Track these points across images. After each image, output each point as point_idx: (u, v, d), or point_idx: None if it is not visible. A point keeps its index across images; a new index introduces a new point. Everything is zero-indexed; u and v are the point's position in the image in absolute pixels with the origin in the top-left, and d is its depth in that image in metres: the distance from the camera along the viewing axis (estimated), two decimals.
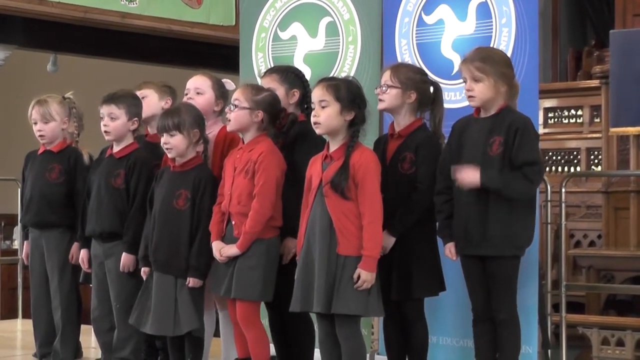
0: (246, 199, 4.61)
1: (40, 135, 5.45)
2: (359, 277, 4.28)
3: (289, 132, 4.80)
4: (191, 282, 4.75)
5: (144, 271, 4.89)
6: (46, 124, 5.43)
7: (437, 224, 4.57)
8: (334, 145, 4.43)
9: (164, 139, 4.81)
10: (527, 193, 4.38)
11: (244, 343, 4.73)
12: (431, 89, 4.68)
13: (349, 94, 4.40)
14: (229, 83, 5.22)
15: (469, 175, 4.34)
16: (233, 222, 4.66)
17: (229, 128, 4.80)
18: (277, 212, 4.64)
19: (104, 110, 5.09)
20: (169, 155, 4.86)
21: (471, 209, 4.39)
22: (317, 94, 4.44)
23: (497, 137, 4.38)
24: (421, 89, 4.64)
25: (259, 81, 5.15)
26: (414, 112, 4.66)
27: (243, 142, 4.75)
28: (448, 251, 4.51)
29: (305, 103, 4.88)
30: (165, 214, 4.81)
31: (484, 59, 4.43)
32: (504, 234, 4.36)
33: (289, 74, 4.96)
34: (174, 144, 4.80)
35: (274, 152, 4.68)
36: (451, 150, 4.52)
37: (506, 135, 4.36)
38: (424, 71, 4.84)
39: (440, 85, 4.81)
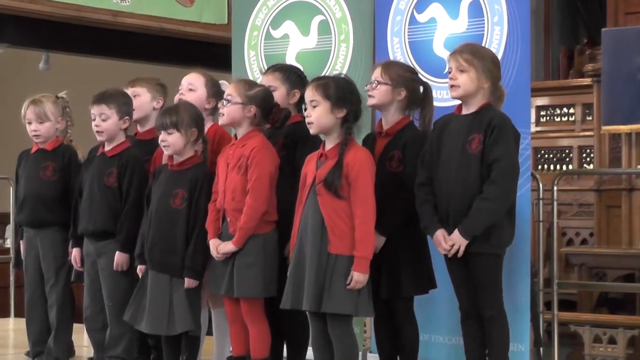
0: (240, 194, 4.61)
1: (35, 135, 5.42)
2: (352, 278, 4.26)
3: (283, 127, 4.80)
4: (186, 282, 4.75)
5: (139, 269, 4.88)
6: (41, 124, 5.40)
7: (424, 215, 4.45)
8: (329, 144, 4.43)
9: (162, 136, 4.81)
10: (500, 198, 4.29)
11: (240, 341, 4.72)
12: (421, 88, 4.67)
13: (338, 91, 4.39)
14: (225, 84, 5.21)
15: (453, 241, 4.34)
16: (228, 219, 4.66)
17: (220, 122, 4.81)
18: (271, 206, 4.64)
19: (95, 110, 5.08)
20: (166, 153, 4.86)
21: (452, 204, 4.37)
22: (308, 95, 4.45)
23: (476, 135, 4.36)
24: (411, 87, 4.63)
25: (259, 78, 5.14)
26: (403, 110, 4.65)
27: (236, 138, 4.75)
28: (442, 236, 4.39)
29: (305, 104, 4.87)
30: (161, 212, 4.80)
31: (473, 52, 4.44)
32: (483, 231, 4.33)
33: (291, 74, 4.96)
34: (171, 141, 4.80)
35: (266, 146, 4.67)
36: (432, 147, 4.50)
37: (485, 133, 4.34)
38: (414, 70, 4.83)
39: (432, 83, 4.81)
